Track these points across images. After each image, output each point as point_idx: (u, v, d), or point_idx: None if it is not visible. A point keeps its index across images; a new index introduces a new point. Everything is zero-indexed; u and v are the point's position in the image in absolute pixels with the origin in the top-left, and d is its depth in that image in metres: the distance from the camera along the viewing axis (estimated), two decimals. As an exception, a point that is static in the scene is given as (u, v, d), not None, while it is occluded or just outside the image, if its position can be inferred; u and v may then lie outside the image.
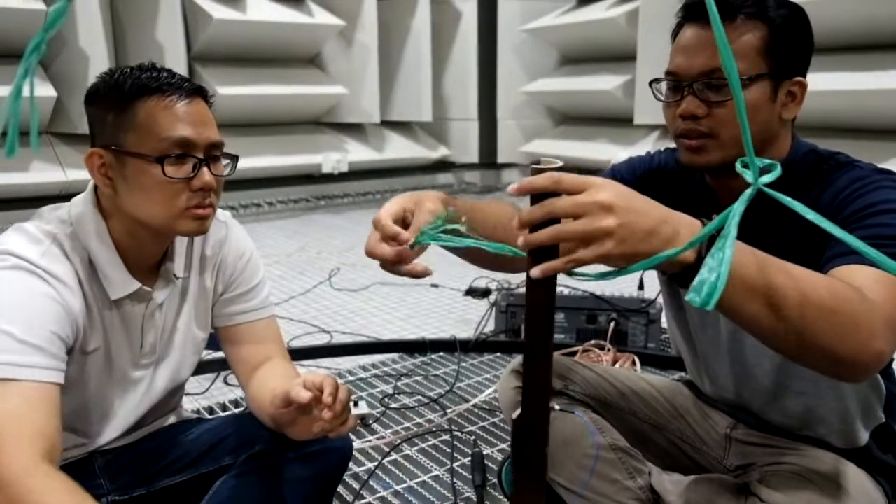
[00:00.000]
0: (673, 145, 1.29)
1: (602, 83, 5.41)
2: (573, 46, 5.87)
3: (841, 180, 1.05)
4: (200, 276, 1.30)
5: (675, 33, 1.15)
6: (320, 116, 5.79)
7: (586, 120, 5.94)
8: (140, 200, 1.11)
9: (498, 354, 2.65)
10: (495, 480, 1.70)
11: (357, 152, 5.79)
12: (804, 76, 1.10)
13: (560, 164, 0.76)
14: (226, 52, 5.08)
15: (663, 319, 2.42)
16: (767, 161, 0.71)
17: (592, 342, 2.48)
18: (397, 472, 1.84)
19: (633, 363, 2.41)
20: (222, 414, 2.13)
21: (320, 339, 2.80)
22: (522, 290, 1.00)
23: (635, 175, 1.31)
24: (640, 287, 2.65)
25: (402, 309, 3.20)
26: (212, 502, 1.24)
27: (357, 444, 1.94)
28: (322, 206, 5.68)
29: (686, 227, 0.77)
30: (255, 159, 5.13)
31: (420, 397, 2.28)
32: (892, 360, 0.93)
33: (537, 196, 0.74)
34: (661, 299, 1.54)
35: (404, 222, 0.95)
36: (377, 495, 1.73)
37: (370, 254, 0.93)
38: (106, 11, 4.54)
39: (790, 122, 1.13)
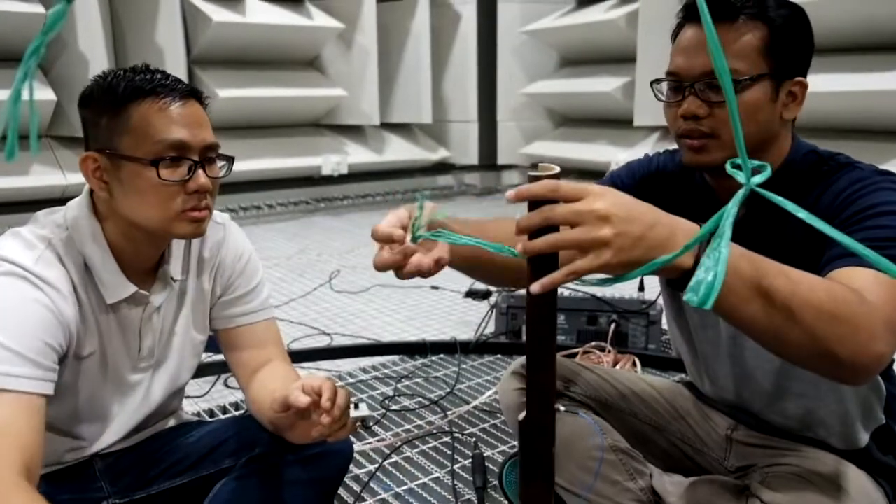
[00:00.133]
0: (672, 147, 1.30)
1: (602, 85, 5.41)
2: (573, 48, 5.87)
3: (841, 181, 1.05)
4: (198, 278, 1.30)
5: (676, 34, 1.15)
6: (320, 119, 5.80)
7: (586, 121, 5.94)
8: (135, 204, 1.10)
9: (498, 356, 2.65)
10: (496, 482, 1.70)
11: (357, 154, 5.79)
12: (805, 76, 1.10)
13: (557, 170, 0.76)
14: (225, 55, 5.08)
15: (664, 321, 2.42)
16: (758, 162, 0.71)
17: (593, 344, 2.48)
18: (398, 474, 1.84)
19: (634, 364, 2.41)
20: (222, 416, 2.13)
21: (321, 342, 2.79)
22: (523, 291, 1.00)
23: (635, 179, 1.31)
24: (641, 288, 2.65)
25: (403, 311, 3.20)
26: (212, 505, 1.24)
27: (357, 446, 1.94)
28: (322, 208, 5.68)
29: (684, 232, 0.77)
30: (254, 162, 5.13)
31: (420, 399, 2.28)
32: (892, 361, 0.93)
33: (535, 203, 0.74)
34: (661, 301, 1.54)
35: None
36: (378, 497, 1.73)
37: (378, 266, 0.92)
38: (105, 14, 4.54)
39: (791, 122, 1.13)
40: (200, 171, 1.11)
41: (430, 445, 1.98)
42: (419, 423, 2.12)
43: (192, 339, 1.32)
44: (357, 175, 5.82)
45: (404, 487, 1.77)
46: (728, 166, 0.71)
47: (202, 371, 2.34)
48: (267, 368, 1.31)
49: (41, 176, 4.37)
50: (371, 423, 2.10)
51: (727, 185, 1.14)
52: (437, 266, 0.93)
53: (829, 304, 0.82)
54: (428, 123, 6.13)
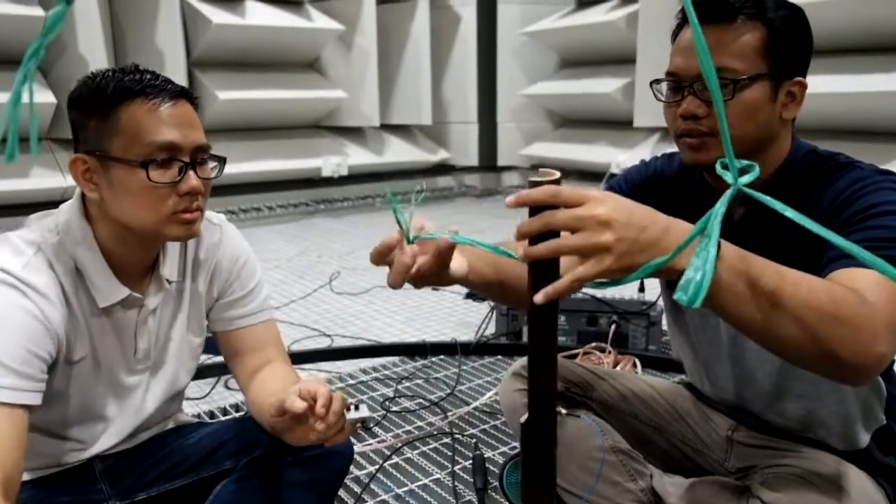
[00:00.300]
0: (670, 150, 1.30)
1: (602, 86, 5.41)
2: (573, 49, 5.87)
3: (841, 181, 1.05)
4: (194, 280, 1.29)
5: (675, 34, 1.15)
6: (320, 120, 5.80)
7: (586, 123, 5.94)
8: (126, 206, 1.09)
9: (499, 357, 2.65)
10: (496, 483, 1.69)
11: (357, 156, 5.80)
12: (804, 76, 1.10)
13: (558, 175, 0.76)
14: (225, 57, 5.09)
15: (664, 322, 2.42)
16: (746, 162, 0.72)
17: (593, 344, 2.47)
18: (398, 475, 1.84)
19: (634, 365, 2.40)
20: (223, 418, 2.13)
21: (321, 343, 2.79)
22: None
23: (633, 185, 1.31)
24: (641, 289, 2.65)
25: (403, 312, 3.20)
26: (212, 506, 1.24)
27: (358, 447, 1.94)
28: (322, 209, 5.69)
29: (680, 233, 0.77)
30: (255, 164, 5.14)
31: (421, 400, 2.28)
32: (893, 361, 0.93)
33: (535, 208, 0.75)
34: (661, 302, 1.54)
35: None
36: (378, 499, 1.73)
37: (393, 283, 0.92)
38: (105, 16, 4.54)
39: (790, 122, 1.13)
40: (191, 173, 1.09)
41: (431, 447, 1.98)
42: (420, 424, 2.12)
43: (190, 341, 1.31)
44: (357, 176, 5.82)
45: (405, 489, 1.77)
46: (718, 167, 0.72)
47: (202, 372, 2.34)
48: (267, 370, 1.30)
49: (41, 178, 4.37)
50: (371, 425, 2.10)
51: (727, 184, 1.14)
52: (440, 256, 0.92)
53: (830, 306, 0.82)
54: (428, 125, 6.14)
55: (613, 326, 2.52)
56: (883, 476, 1.17)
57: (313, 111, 5.67)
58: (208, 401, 2.28)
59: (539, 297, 0.73)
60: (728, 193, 0.70)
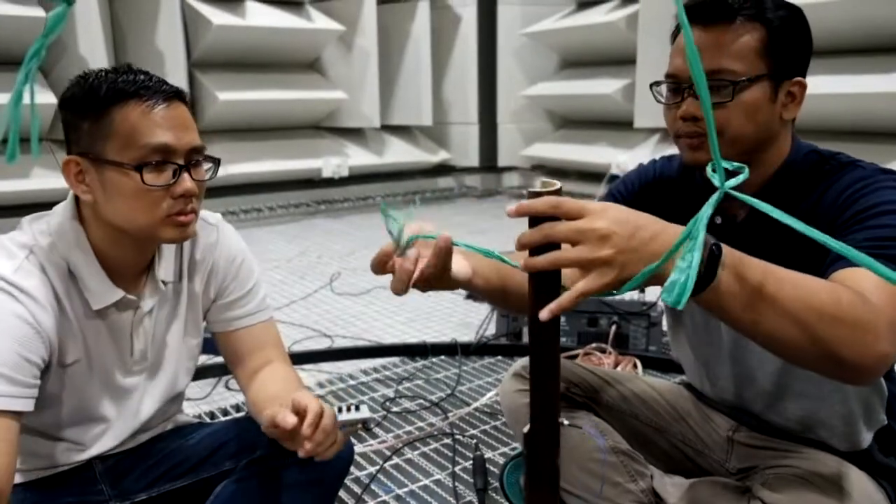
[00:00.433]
0: (670, 151, 1.30)
1: (602, 87, 5.41)
2: (573, 50, 5.87)
3: (843, 180, 1.05)
4: (191, 280, 1.28)
5: (675, 36, 1.15)
6: (320, 121, 5.80)
7: (586, 123, 5.94)
8: (120, 208, 1.08)
9: (499, 358, 2.65)
10: (497, 484, 1.70)
11: (357, 157, 5.79)
12: (804, 76, 1.10)
13: (559, 186, 0.76)
14: (226, 58, 5.08)
15: (664, 322, 2.42)
16: (736, 164, 0.72)
17: (594, 345, 2.47)
18: (399, 475, 1.84)
19: (635, 366, 2.40)
20: (223, 419, 2.13)
21: (321, 344, 2.80)
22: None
23: (633, 189, 1.31)
24: (641, 290, 2.64)
25: (403, 313, 3.20)
26: (212, 507, 1.24)
27: (358, 448, 1.94)
28: (322, 210, 5.68)
29: (674, 238, 0.77)
30: (255, 164, 5.13)
31: (421, 401, 2.28)
32: (895, 362, 0.93)
33: (536, 218, 0.75)
34: (661, 303, 1.54)
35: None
36: (378, 499, 1.73)
37: (396, 289, 0.92)
38: (106, 17, 4.54)
39: (790, 122, 1.13)
40: (186, 175, 1.08)
41: (431, 447, 1.98)
42: (420, 424, 2.12)
43: (187, 342, 1.31)
44: (357, 177, 5.82)
45: (405, 489, 1.77)
46: (708, 169, 0.72)
47: (203, 373, 2.34)
48: (267, 370, 1.30)
49: (42, 179, 4.36)
50: (372, 425, 2.10)
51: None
52: (440, 254, 0.92)
53: (831, 307, 0.82)
54: (428, 126, 6.13)
55: (614, 327, 2.52)
56: (884, 477, 1.17)
57: (314, 112, 5.67)
58: (209, 401, 2.28)
59: (544, 314, 0.74)
60: (714, 197, 0.70)
